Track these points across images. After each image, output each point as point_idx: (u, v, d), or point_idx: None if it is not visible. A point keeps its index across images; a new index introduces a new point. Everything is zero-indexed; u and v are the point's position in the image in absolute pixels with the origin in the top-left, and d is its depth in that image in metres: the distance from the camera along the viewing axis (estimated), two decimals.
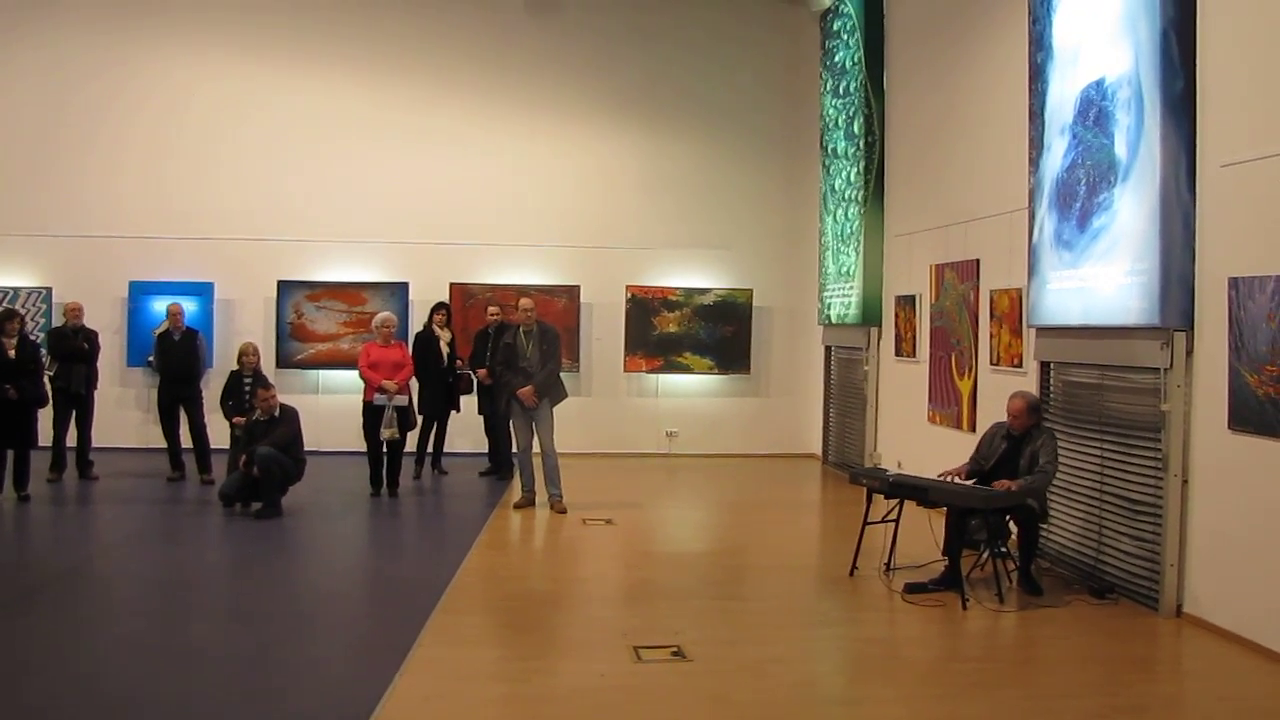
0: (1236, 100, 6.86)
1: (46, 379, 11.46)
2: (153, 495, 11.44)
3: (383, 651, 6.26)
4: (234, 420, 11.17)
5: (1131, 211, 7.52)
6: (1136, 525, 7.70)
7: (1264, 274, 6.44)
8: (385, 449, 11.49)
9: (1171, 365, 7.27)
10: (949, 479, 8.04)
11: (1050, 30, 8.76)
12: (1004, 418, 8.16)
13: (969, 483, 7.96)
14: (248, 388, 11.34)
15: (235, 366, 11.66)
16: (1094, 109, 8.04)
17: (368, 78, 14.99)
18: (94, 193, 14.57)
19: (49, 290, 14.34)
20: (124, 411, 14.38)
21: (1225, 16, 6.97)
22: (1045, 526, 8.39)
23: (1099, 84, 7.97)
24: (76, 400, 11.87)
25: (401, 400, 11.46)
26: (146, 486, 11.84)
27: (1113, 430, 8.09)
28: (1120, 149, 7.67)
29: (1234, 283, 6.69)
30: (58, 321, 12.78)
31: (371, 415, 11.43)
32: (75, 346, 11.84)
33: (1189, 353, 7.21)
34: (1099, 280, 7.90)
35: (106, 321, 13.92)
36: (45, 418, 11.48)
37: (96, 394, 12.17)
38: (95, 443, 12.25)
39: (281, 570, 8.63)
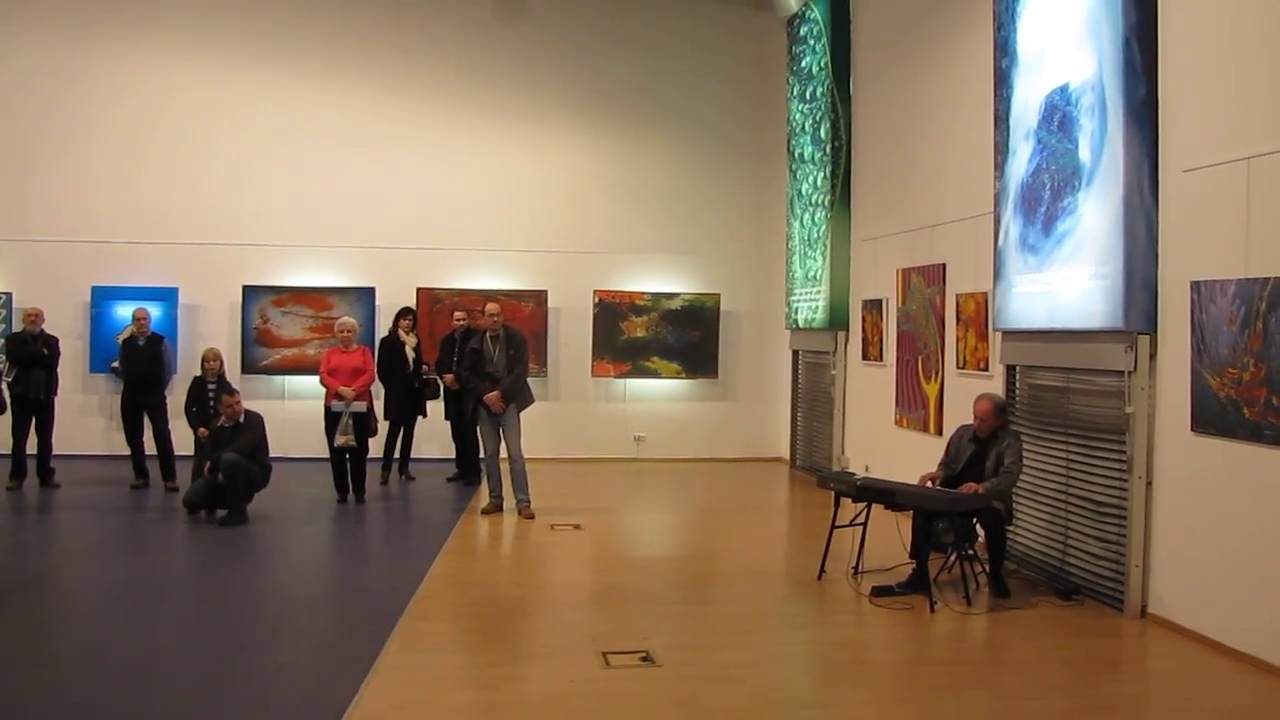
0: (1198, 106, 6.93)
1: (5, 385, 11.31)
2: (116, 503, 11.32)
3: (349, 660, 6.22)
4: (199, 431, 11.08)
5: (1095, 216, 7.59)
6: (1101, 527, 7.76)
7: (1225, 278, 6.51)
8: (347, 455, 11.42)
9: (1135, 368, 7.33)
10: (927, 484, 8.07)
11: (1015, 36, 8.82)
12: (970, 420, 8.21)
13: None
14: (211, 394, 11.24)
15: (199, 373, 11.57)
16: (1058, 114, 8.11)
17: (334, 83, 14.92)
18: (55, 197, 14.43)
19: (9, 296, 14.18)
20: (87, 418, 14.22)
21: (1186, 24, 7.05)
22: (1012, 529, 8.44)
23: (1063, 90, 8.04)
24: (36, 407, 11.74)
25: (360, 406, 11.39)
26: (110, 494, 11.71)
27: (1078, 433, 8.15)
28: (1084, 154, 7.74)
29: (1196, 286, 6.76)
30: (18, 328, 12.61)
31: (332, 422, 11.37)
32: (35, 352, 11.70)
33: (1152, 356, 7.28)
34: (1063, 284, 7.96)
35: (69, 327, 13.80)
36: (4, 425, 11.35)
37: (57, 400, 12.03)
38: (57, 450, 12.12)
39: (247, 578, 8.55)
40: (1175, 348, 7.02)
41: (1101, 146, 7.52)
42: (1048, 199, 8.21)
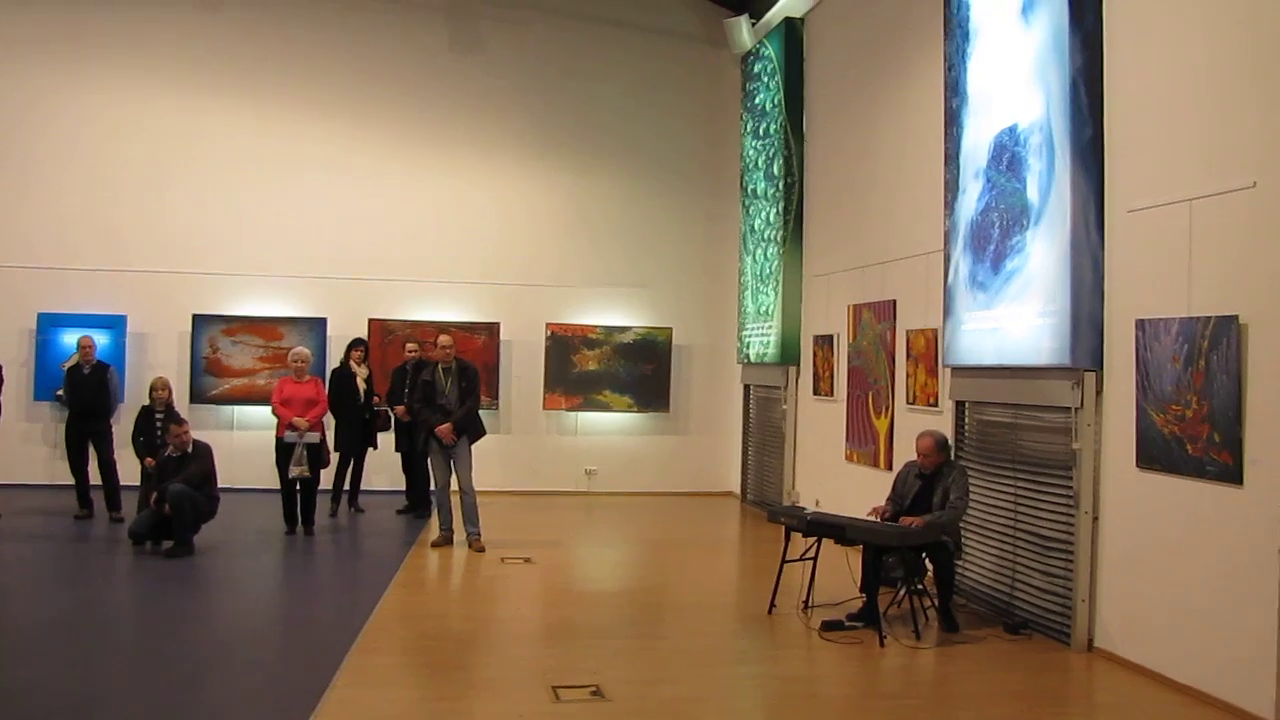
0: (1142, 148, 7.08)
1: None
2: (59, 533, 11.12)
3: (296, 694, 6.14)
4: (146, 461, 10.96)
5: (1043, 254, 7.71)
6: (1049, 561, 7.84)
7: (1169, 316, 6.63)
8: (298, 486, 11.33)
9: (1082, 404, 7.43)
10: (876, 517, 8.12)
11: (965, 77, 8.97)
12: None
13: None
14: (159, 423, 11.12)
15: (146, 402, 11.44)
16: (1007, 154, 8.24)
17: (288, 113, 14.86)
18: (2, 223, 14.21)
19: None
20: (30, 447, 13.99)
21: (1131, 67, 7.21)
22: (961, 563, 8.50)
23: (1012, 130, 8.18)
24: None
25: (313, 437, 11.31)
26: (53, 524, 11.50)
27: (1026, 468, 8.24)
28: (1032, 193, 7.87)
29: (1141, 324, 6.88)
30: None
31: (283, 452, 11.27)
32: None
33: (1099, 392, 7.38)
34: (1012, 321, 8.07)
35: (13, 354, 13.60)
36: None
37: None
38: None
39: (193, 611, 8.42)
40: (1121, 385, 7.14)
41: (1049, 186, 7.65)
42: (996, 237, 8.33)
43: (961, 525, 8.24)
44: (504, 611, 8.72)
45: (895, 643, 7.53)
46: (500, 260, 15.28)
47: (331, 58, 14.96)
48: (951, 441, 9.05)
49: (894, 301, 10.50)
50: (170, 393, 11.47)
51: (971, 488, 8.22)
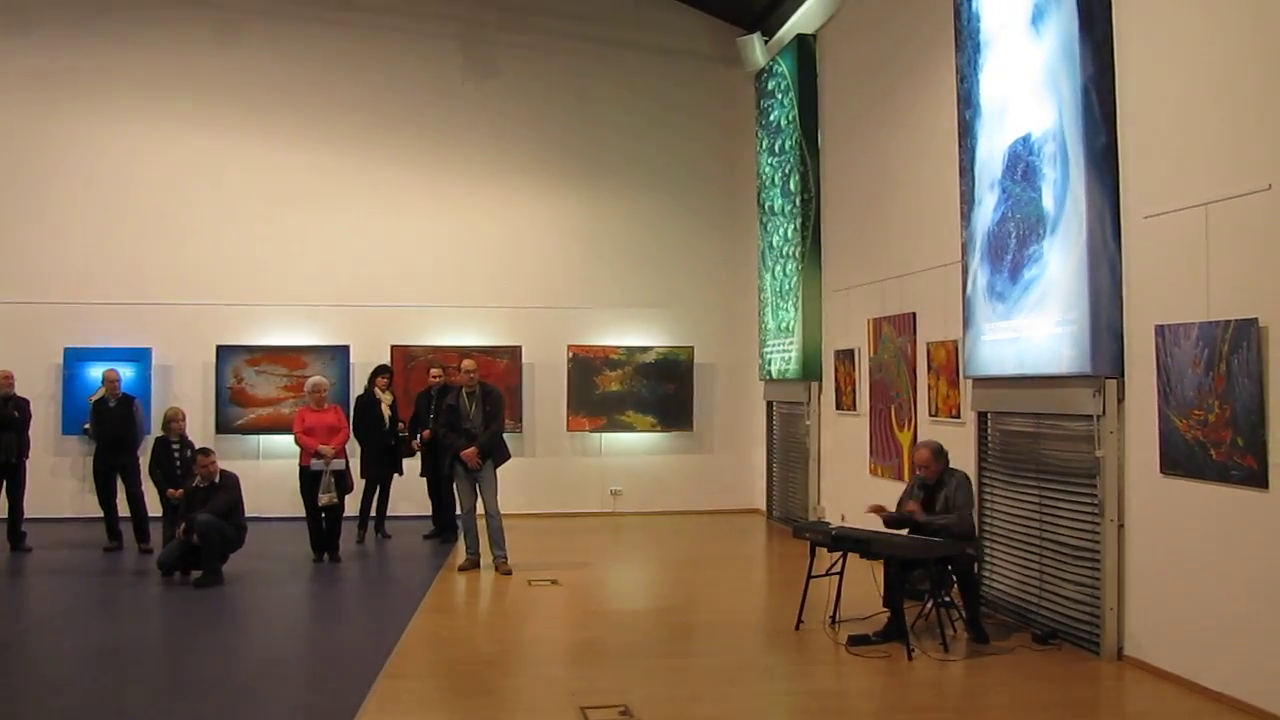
0: (1156, 154, 7.08)
1: None
2: (89, 566, 11.20)
3: None
4: (168, 492, 11.05)
5: (1060, 263, 7.71)
6: (1076, 570, 7.80)
7: (1188, 321, 6.61)
8: (324, 514, 11.38)
9: (1104, 412, 7.41)
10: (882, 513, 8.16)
11: (977, 88, 8.98)
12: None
13: (903, 531, 8.07)
14: (176, 454, 11.22)
15: (161, 433, 11.54)
16: (1021, 164, 8.24)
17: (306, 143, 14.97)
18: (27, 258, 14.36)
19: None
20: (59, 481, 14.09)
21: (1142, 73, 7.21)
22: (987, 574, 8.46)
23: (1025, 139, 8.19)
24: (8, 470, 11.66)
25: (338, 464, 11.38)
26: (82, 557, 11.59)
27: (1050, 477, 8.21)
28: (1047, 202, 7.87)
29: (1160, 330, 6.86)
30: None
31: (309, 481, 11.34)
32: (5, 415, 11.64)
33: (1120, 399, 7.36)
34: (1031, 330, 8.06)
35: (41, 389, 13.72)
36: None
37: (29, 463, 11.95)
38: (28, 513, 11.99)
39: (222, 640, 8.47)
40: (1142, 391, 7.11)
41: (1064, 194, 7.65)
42: (1014, 247, 8.33)
43: (985, 535, 8.21)
44: (532, 633, 8.74)
45: (923, 656, 7.50)
46: (520, 283, 15.34)
47: (347, 87, 15.08)
48: (974, 452, 9.07)
49: (913, 314, 10.49)
50: (186, 423, 11.56)
51: (996, 498, 8.20)
